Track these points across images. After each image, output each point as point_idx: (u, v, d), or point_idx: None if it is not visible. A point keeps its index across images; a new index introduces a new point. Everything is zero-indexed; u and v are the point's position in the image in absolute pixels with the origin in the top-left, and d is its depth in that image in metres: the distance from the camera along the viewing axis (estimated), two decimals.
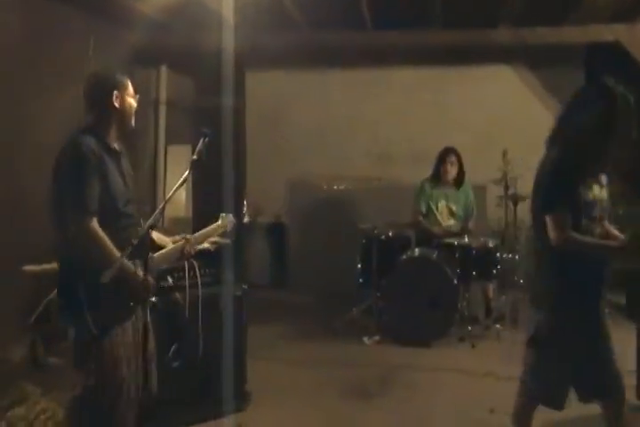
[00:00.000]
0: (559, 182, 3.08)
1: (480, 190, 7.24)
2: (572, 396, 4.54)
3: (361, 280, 6.36)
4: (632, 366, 4.46)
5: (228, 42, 6.82)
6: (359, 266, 6.37)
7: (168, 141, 8.19)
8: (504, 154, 6.27)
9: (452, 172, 6.63)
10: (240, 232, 7.55)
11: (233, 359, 4.26)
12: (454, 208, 6.70)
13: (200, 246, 4.17)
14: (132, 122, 3.26)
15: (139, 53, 7.34)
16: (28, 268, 4.41)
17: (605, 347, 3.35)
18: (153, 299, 3.86)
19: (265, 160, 8.90)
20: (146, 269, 2.97)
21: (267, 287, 7.93)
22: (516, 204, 6.38)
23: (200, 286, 4.13)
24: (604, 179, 3.43)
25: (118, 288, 2.91)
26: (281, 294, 7.92)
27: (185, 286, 4.07)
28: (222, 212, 3.63)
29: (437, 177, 6.68)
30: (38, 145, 3.12)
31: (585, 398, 3.40)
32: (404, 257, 6.08)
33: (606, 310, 3.48)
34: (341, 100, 8.91)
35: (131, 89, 3.23)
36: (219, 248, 4.29)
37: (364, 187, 8.28)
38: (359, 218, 6.73)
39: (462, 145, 6.94)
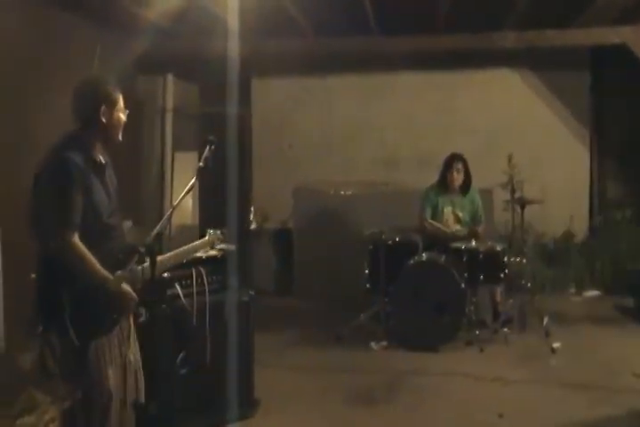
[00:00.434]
0: None
1: (486, 194, 7.22)
2: (579, 399, 4.56)
3: (368, 285, 6.35)
4: None
5: (234, 49, 6.85)
6: (366, 271, 6.36)
7: (175, 149, 8.22)
8: (510, 158, 6.25)
9: (458, 179, 6.60)
10: (246, 239, 7.58)
11: (240, 366, 4.26)
12: (460, 215, 6.68)
13: (207, 254, 4.21)
14: (120, 136, 3.17)
15: (145, 61, 7.38)
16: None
17: None
18: (161, 306, 3.90)
19: (271, 166, 8.92)
20: (152, 273, 2.96)
21: (273, 293, 7.93)
22: (522, 207, 6.36)
23: (207, 292, 4.13)
24: None
25: (100, 300, 2.89)
26: (288, 300, 7.92)
27: (192, 294, 4.08)
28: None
29: (444, 184, 6.65)
30: (45, 152, 3.09)
31: None
32: (412, 262, 6.07)
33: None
34: (347, 105, 8.93)
35: (121, 103, 3.15)
36: (225, 255, 4.31)
37: (371, 192, 8.29)
38: (366, 223, 6.71)
39: (468, 149, 6.93)
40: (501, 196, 6.63)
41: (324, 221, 8.01)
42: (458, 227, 6.68)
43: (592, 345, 5.95)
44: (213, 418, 4.17)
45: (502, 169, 6.26)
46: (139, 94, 7.64)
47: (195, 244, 3.49)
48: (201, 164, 3.12)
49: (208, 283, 4.15)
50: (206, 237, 3.53)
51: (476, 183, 6.75)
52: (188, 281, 4.09)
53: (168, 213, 3.03)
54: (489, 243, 6.32)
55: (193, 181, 3.08)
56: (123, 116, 3.17)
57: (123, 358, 3.15)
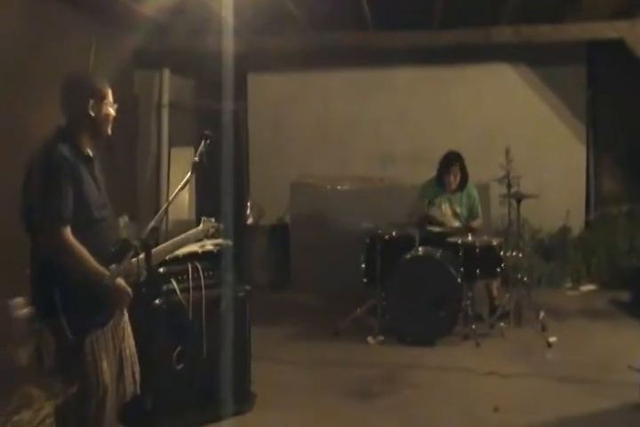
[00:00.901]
0: None
1: (483, 189, 7.23)
2: (575, 393, 4.57)
3: (365, 280, 6.36)
4: (637, 364, 4.44)
5: (230, 44, 6.84)
6: (363, 266, 6.37)
7: (171, 144, 8.21)
8: (506, 152, 6.25)
9: (455, 181, 6.61)
10: (243, 234, 7.57)
11: (236, 361, 4.26)
12: (458, 210, 6.70)
13: (203, 249, 4.21)
14: (109, 130, 3.15)
15: (141, 56, 7.37)
16: None
17: None
18: (157, 301, 3.90)
19: (267, 161, 8.92)
20: (148, 267, 2.96)
21: (270, 288, 7.94)
22: (519, 202, 6.37)
23: (203, 288, 4.13)
24: None
25: (94, 294, 2.88)
26: (284, 294, 7.93)
27: (188, 289, 4.08)
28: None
29: (441, 185, 6.65)
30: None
31: None
32: (408, 256, 6.07)
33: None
34: (343, 100, 8.93)
35: (110, 97, 3.12)
36: (221, 250, 4.31)
37: (367, 187, 8.30)
38: (362, 218, 6.70)
39: (464, 144, 6.94)
40: (498, 190, 6.64)
41: (321, 217, 8.02)
42: (456, 223, 6.70)
43: (588, 339, 5.96)
44: (210, 413, 4.18)
45: (499, 164, 6.27)
46: (135, 89, 7.64)
47: (189, 232, 3.49)
48: (196, 158, 3.11)
49: (204, 278, 4.15)
50: (200, 225, 3.53)
51: (473, 178, 6.76)
52: (185, 276, 4.09)
53: (164, 207, 3.02)
54: (485, 237, 6.34)
55: (189, 175, 3.07)
56: (112, 111, 3.14)
57: (118, 352, 3.15)
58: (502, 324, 6.14)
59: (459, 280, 5.88)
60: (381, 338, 5.98)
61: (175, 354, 4.01)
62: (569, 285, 8.13)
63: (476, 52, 8.25)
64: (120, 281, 2.95)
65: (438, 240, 6.32)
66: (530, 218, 7.87)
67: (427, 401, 4.64)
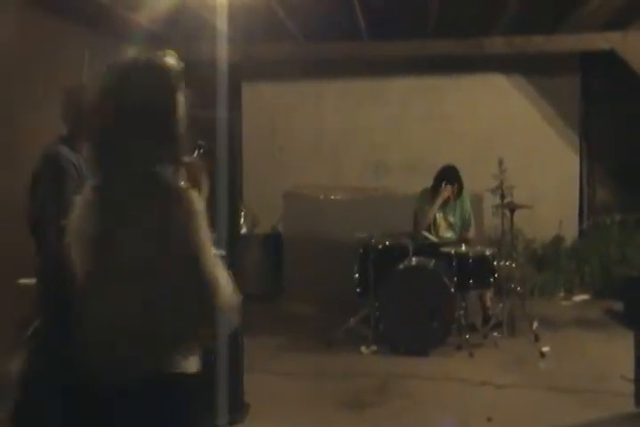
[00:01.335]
0: None
1: (476, 199, 7.25)
2: (568, 403, 4.57)
3: (358, 290, 6.35)
4: (630, 373, 4.44)
5: (223, 53, 6.84)
6: (356, 276, 6.36)
7: None
8: (500, 162, 6.27)
9: (451, 194, 6.62)
10: (236, 243, 7.54)
11: (230, 371, 4.24)
12: (452, 220, 6.72)
13: None
14: None
15: None
16: (24, 281, 4.39)
17: None
18: None
19: (261, 171, 8.91)
20: None
21: (263, 298, 7.91)
22: (512, 212, 6.39)
23: None
24: None
25: None
26: (278, 304, 7.91)
27: None
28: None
29: (436, 194, 6.64)
30: (37, 157, 3.14)
31: None
32: (402, 266, 6.07)
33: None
34: (337, 110, 8.94)
35: None
36: None
37: (361, 197, 8.30)
38: (355, 228, 6.71)
39: (458, 154, 6.97)
40: (491, 200, 6.65)
41: (314, 226, 8.02)
42: (449, 233, 6.71)
43: (581, 349, 5.96)
44: (202, 424, 4.15)
45: (492, 174, 6.28)
46: None
47: None
48: None
49: None
50: None
51: (466, 188, 6.78)
52: None
53: None
54: (478, 247, 6.35)
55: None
56: None
57: None
58: (496, 334, 6.13)
59: (452, 290, 5.88)
60: (375, 348, 5.97)
61: None
62: (562, 294, 8.14)
63: (470, 62, 8.28)
64: None
65: (432, 250, 6.33)
66: (523, 228, 7.88)
67: (420, 411, 4.62)
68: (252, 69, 8.63)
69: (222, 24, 6.49)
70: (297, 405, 4.76)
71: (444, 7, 6.65)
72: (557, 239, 8.59)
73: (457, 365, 5.60)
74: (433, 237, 6.54)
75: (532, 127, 8.70)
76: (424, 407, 4.70)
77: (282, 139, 8.98)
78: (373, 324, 6.15)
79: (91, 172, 2.00)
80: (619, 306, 7.05)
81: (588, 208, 8.96)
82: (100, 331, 1.81)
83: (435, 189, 6.65)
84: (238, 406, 4.41)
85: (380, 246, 6.33)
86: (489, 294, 6.53)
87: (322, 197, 8.17)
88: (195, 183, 2.01)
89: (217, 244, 3.87)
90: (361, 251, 6.38)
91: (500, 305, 6.36)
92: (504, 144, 8.20)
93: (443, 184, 6.57)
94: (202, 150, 3.23)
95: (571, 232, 8.67)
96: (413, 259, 6.17)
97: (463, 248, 6.18)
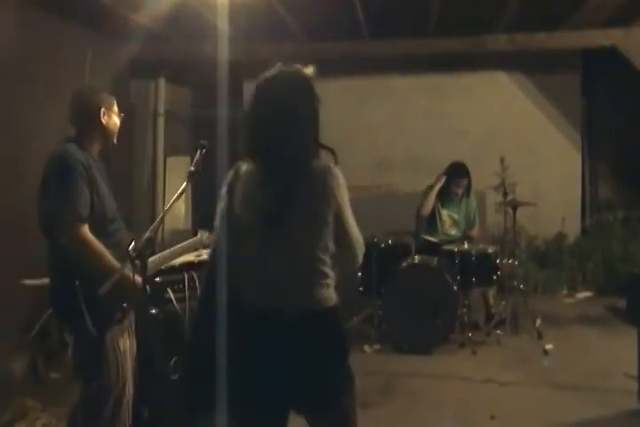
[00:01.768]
0: None
1: (479, 197, 7.24)
2: (571, 401, 4.57)
3: (361, 289, 6.35)
4: (634, 371, 4.44)
5: (225, 52, 6.85)
6: (359, 274, 6.36)
7: (167, 153, 8.21)
8: (502, 160, 6.27)
9: (460, 192, 6.61)
10: None
11: None
12: (457, 217, 6.71)
13: (199, 258, 4.20)
14: (115, 139, 3.36)
15: (136, 65, 7.38)
16: (28, 282, 4.41)
17: None
18: (152, 311, 3.89)
19: None
20: (144, 277, 3.00)
21: None
22: (514, 209, 6.39)
23: None
24: None
25: (113, 291, 2.95)
26: None
27: (185, 298, 4.07)
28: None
29: (446, 193, 6.63)
30: (39, 158, 3.16)
31: None
32: (404, 264, 6.08)
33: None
34: (339, 109, 8.91)
35: (116, 108, 3.34)
36: None
37: (363, 195, 8.30)
38: (358, 226, 6.70)
39: (460, 151, 6.96)
40: (494, 198, 6.65)
41: None
42: (453, 231, 6.71)
43: (584, 346, 5.96)
44: (204, 423, 4.16)
45: (494, 171, 6.28)
46: (131, 98, 7.65)
47: (185, 242, 3.55)
48: (192, 168, 3.12)
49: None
50: (198, 236, 3.60)
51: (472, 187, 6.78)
52: (181, 286, 4.08)
53: (159, 217, 3.03)
54: (481, 245, 6.35)
55: (184, 185, 3.08)
56: (117, 121, 3.35)
57: (133, 351, 3.26)
58: (499, 331, 6.14)
59: (455, 288, 5.88)
60: (378, 347, 5.98)
61: (171, 364, 3.99)
62: (565, 292, 8.13)
63: (471, 59, 8.27)
64: (132, 275, 3.00)
65: (434, 248, 6.33)
66: (526, 225, 7.88)
67: (424, 410, 4.63)
68: (253, 68, 8.62)
69: (223, 23, 6.50)
70: None
71: (446, 5, 6.65)
72: (560, 237, 8.59)
73: (460, 363, 5.60)
74: (434, 239, 6.52)
75: (534, 125, 8.70)
76: (428, 406, 4.70)
77: None
78: (376, 322, 6.16)
79: (254, 157, 2.52)
80: (622, 303, 7.04)
81: (590, 205, 8.96)
82: (273, 278, 2.44)
83: (447, 184, 6.61)
84: None
85: (383, 245, 6.33)
86: (492, 292, 6.54)
87: None
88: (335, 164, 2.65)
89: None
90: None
91: (503, 303, 6.36)
92: (506, 142, 8.20)
93: (453, 179, 6.55)
94: (204, 150, 3.24)
95: (573, 229, 8.67)
96: (416, 257, 6.17)
97: (466, 246, 6.18)
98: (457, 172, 6.59)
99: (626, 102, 8.40)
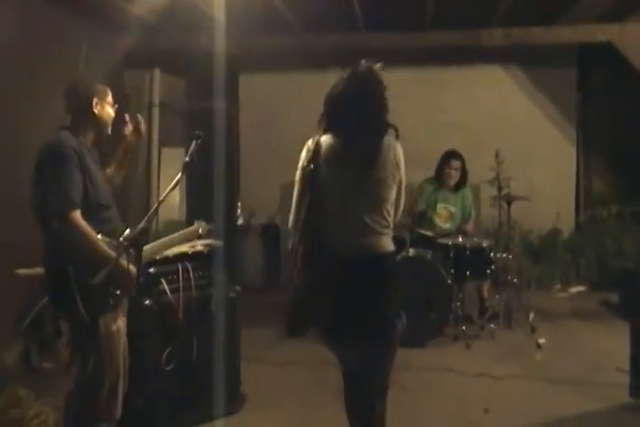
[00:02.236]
0: None
1: (474, 191, 7.24)
2: (564, 394, 4.59)
3: None
4: (626, 365, 4.46)
5: (221, 44, 6.83)
6: None
7: (161, 144, 8.19)
8: (496, 154, 6.27)
9: (455, 177, 6.63)
10: (233, 234, 7.55)
11: (227, 361, 4.25)
12: (452, 210, 6.71)
13: (194, 249, 4.20)
14: (109, 130, 3.35)
15: (132, 55, 7.35)
16: (22, 271, 4.40)
17: None
18: (147, 302, 3.89)
19: (259, 162, 8.90)
20: (138, 268, 3.01)
21: (260, 289, 7.92)
22: (509, 204, 6.39)
23: (194, 288, 4.12)
24: None
25: (105, 278, 2.98)
26: (275, 295, 7.91)
27: (179, 289, 4.07)
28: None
29: (440, 181, 6.67)
30: (33, 147, 3.16)
31: None
32: (399, 257, 6.07)
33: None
34: None
35: (110, 98, 3.34)
36: (212, 250, 4.30)
37: None
38: None
39: (455, 145, 6.94)
40: (488, 192, 6.65)
41: None
42: (448, 224, 6.72)
43: (577, 341, 5.98)
44: (199, 413, 4.17)
45: (489, 165, 6.28)
46: (125, 89, 7.62)
47: (180, 233, 3.56)
48: (187, 159, 3.12)
49: (194, 278, 4.14)
50: (194, 226, 3.61)
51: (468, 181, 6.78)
52: (175, 277, 4.07)
53: (154, 208, 3.03)
54: (475, 239, 6.36)
55: (179, 176, 3.07)
56: (112, 111, 3.34)
57: (125, 339, 3.27)
58: (492, 325, 6.15)
59: (449, 282, 5.89)
60: None
61: (165, 354, 3.99)
62: (558, 286, 8.16)
63: (467, 54, 8.26)
64: (125, 263, 3.00)
65: (429, 242, 6.33)
66: (520, 220, 7.89)
67: (416, 402, 4.63)
68: (249, 61, 8.61)
69: (220, 15, 6.48)
70: (294, 395, 4.78)
71: None
72: (554, 231, 8.61)
73: (454, 356, 5.61)
74: (429, 233, 6.52)
75: (529, 119, 8.70)
76: (420, 398, 4.70)
77: (279, 130, 8.95)
78: None
79: (339, 129, 3.15)
80: (614, 298, 7.07)
81: (584, 200, 8.98)
82: (355, 224, 2.96)
83: (440, 169, 6.64)
84: (235, 396, 4.43)
85: None
86: (486, 286, 6.55)
87: None
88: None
89: (214, 235, 3.90)
90: None
91: (497, 297, 6.37)
92: (501, 136, 8.20)
93: (447, 161, 6.60)
94: (199, 141, 3.24)
95: (567, 224, 8.69)
96: (411, 250, 6.17)
97: (460, 240, 6.19)
98: (450, 154, 6.65)
99: (621, 97, 8.40)
